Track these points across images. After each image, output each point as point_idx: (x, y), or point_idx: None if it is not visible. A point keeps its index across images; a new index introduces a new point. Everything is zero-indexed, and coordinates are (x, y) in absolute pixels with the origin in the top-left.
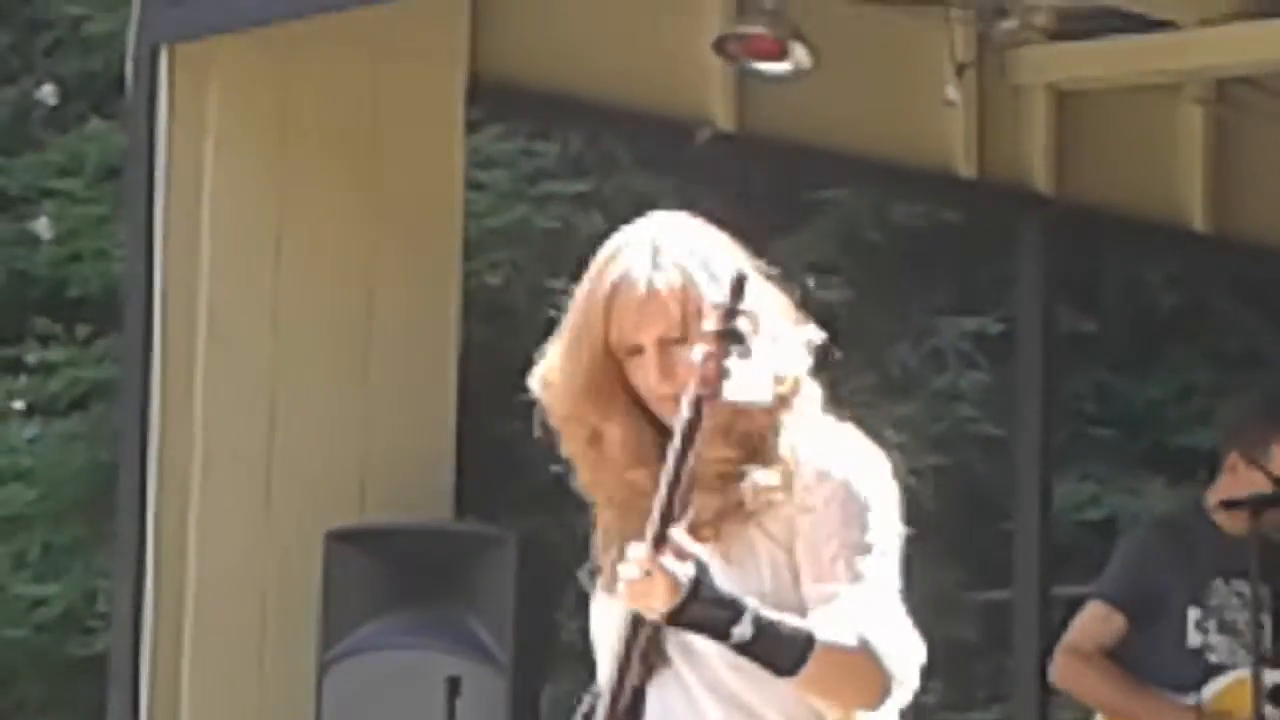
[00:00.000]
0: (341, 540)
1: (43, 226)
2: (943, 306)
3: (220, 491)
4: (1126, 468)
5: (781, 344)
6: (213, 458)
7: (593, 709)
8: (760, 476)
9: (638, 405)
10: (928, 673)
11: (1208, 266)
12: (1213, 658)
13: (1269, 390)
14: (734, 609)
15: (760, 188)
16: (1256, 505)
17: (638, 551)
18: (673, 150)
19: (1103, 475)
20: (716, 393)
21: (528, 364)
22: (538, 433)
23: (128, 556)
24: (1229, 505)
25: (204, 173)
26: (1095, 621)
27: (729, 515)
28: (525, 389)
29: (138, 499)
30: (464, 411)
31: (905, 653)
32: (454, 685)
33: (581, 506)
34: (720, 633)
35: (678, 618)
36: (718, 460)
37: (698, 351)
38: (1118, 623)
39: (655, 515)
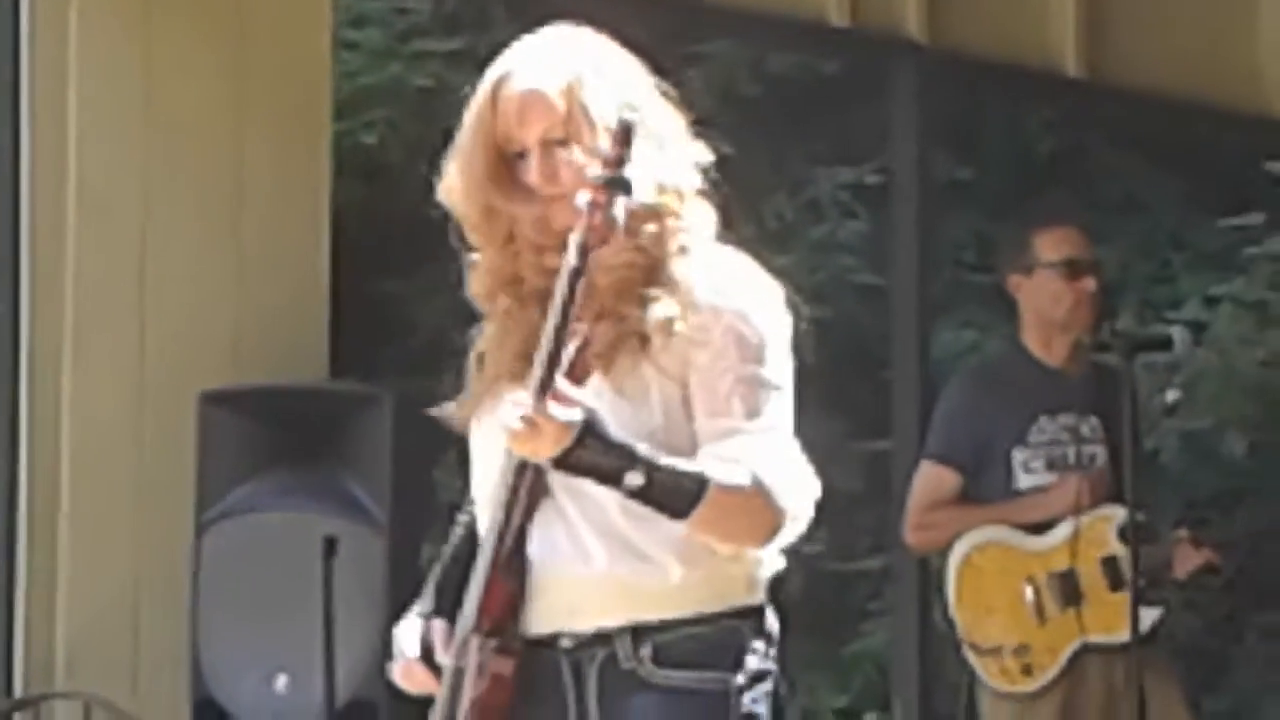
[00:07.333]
0: (215, 402)
1: None
2: (820, 157)
3: (93, 356)
4: (1007, 315)
5: (671, 154)
6: (84, 322)
7: (467, 535)
8: (661, 308)
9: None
10: (813, 523)
11: (1083, 111)
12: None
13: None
14: (625, 456)
15: (636, 41)
16: (1070, 266)
17: (522, 397)
18: (545, 5)
19: (983, 322)
20: (603, 240)
21: (403, 223)
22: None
23: (0, 423)
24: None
25: (69, 39)
26: (928, 482)
27: (622, 345)
28: (401, 247)
29: (10, 366)
30: (339, 271)
31: (798, 489)
32: (330, 545)
33: (458, 365)
34: (611, 480)
35: (565, 464)
36: (620, 265)
37: (583, 198)
38: (949, 478)
39: (540, 360)
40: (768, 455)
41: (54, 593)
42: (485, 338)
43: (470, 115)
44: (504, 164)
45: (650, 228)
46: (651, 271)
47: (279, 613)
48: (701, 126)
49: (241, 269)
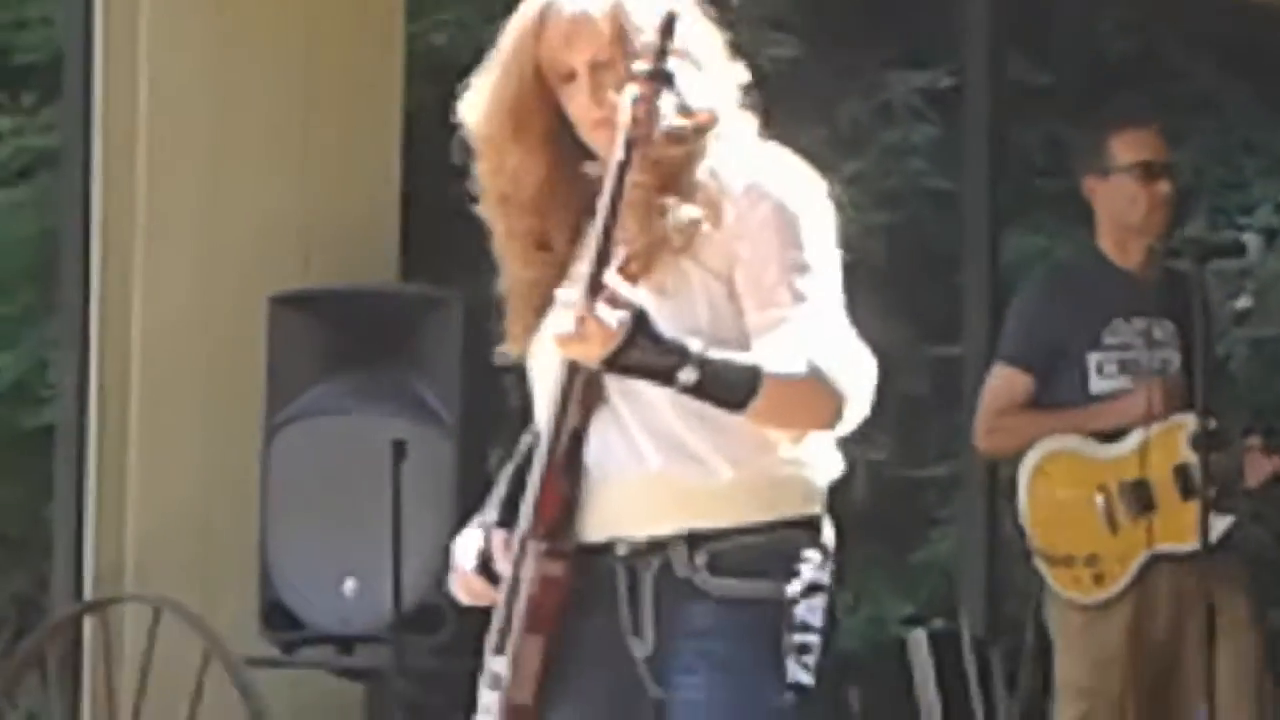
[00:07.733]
0: (285, 305)
1: None
2: (892, 60)
3: (163, 259)
4: (1077, 220)
5: (706, 75)
6: (154, 225)
7: (532, 451)
8: (683, 212)
9: (562, 147)
10: (878, 428)
11: (1157, 13)
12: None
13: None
14: (677, 354)
15: None
16: (1146, 169)
17: (570, 297)
18: None
19: (1053, 228)
20: (649, 135)
21: None
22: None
23: (72, 326)
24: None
25: None
26: (1000, 385)
27: (658, 248)
28: (471, 150)
29: (81, 269)
30: (411, 174)
31: (855, 370)
32: (399, 448)
33: None
34: (664, 377)
35: (616, 364)
36: (638, 184)
37: (629, 93)
38: (1023, 381)
39: (589, 258)
40: (819, 339)
41: (124, 497)
42: (510, 275)
43: (510, 38)
44: (537, 93)
45: (677, 150)
46: (672, 181)
47: (348, 516)
48: (774, 29)
49: (312, 171)
